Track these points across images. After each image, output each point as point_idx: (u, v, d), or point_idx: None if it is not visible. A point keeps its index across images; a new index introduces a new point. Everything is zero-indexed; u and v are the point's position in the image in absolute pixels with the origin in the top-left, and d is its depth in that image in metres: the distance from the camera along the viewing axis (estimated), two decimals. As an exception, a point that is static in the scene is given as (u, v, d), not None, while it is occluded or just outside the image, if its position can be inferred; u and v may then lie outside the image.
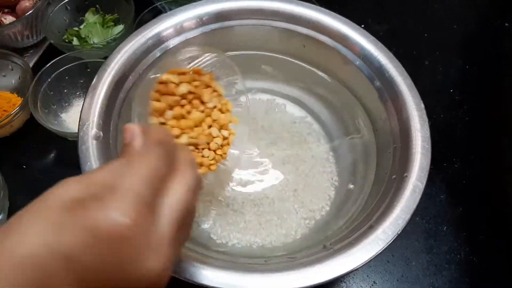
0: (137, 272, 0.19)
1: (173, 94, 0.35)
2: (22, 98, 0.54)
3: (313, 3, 0.47)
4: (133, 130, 0.24)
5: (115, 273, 0.19)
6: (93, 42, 0.61)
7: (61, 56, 0.54)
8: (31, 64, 0.61)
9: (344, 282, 0.46)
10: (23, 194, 0.49)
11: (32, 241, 0.18)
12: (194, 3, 0.47)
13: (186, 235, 0.25)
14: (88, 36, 0.62)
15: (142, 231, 0.20)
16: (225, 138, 0.36)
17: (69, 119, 0.55)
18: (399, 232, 0.33)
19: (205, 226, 0.42)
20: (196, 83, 0.36)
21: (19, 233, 0.18)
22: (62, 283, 0.18)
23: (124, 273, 0.19)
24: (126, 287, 0.20)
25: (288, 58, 0.50)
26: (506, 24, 0.69)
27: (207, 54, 0.39)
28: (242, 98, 0.40)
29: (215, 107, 0.36)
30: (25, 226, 0.18)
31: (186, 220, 0.23)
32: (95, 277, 0.19)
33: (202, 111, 0.36)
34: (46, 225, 0.18)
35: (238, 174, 0.44)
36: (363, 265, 0.31)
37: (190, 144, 0.34)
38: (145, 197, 0.20)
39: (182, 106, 0.35)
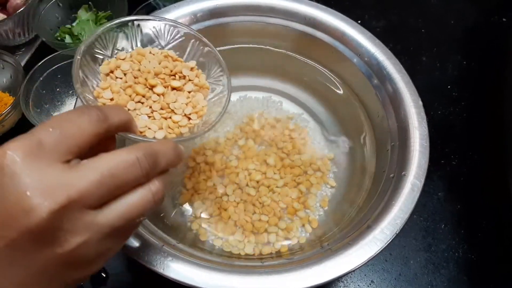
0: (19, 204, 0.19)
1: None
2: (14, 97, 0.53)
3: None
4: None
5: None
6: (86, 39, 0.60)
7: (54, 54, 0.54)
8: (22, 63, 0.60)
9: (342, 281, 0.45)
10: (16, 195, 0.49)
11: None
12: (188, 0, 0.46)
13: (123, 235, 0.24)
14: (81, 34, 0.61)
15: (33, 168, 0.20)
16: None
17: (62, 119, 0.54)
18: (397, 232, 0.33)
19: (196, 227, 0.41)
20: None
21: None
22: None
23: (4, 199, 0.20)
24: (7, 220, 0.20)
25: (285, 51, 0.49)
26: (504, 19, 0.68)
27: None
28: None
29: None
30: None
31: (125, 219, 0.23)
32: None
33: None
34: None
35: (231, 172, 0.44)
36: (360, 266, 0.31)
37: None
38: (43, 139, 0.21)
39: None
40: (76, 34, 0.61)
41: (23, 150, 0.20)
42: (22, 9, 0.57)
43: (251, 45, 0.50)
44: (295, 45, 0.49)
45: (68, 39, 0.61)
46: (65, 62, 0.54)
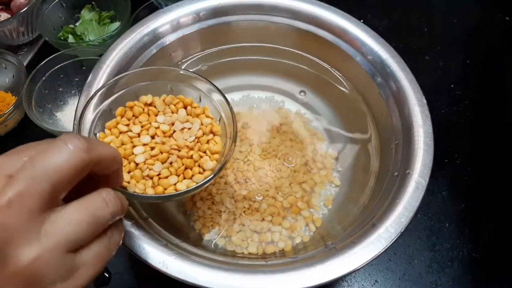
0: (11, 256, 0.20)
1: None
2: (16, 97, 0.53)
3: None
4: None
5: None
6: (89, 39, 0.60)
7: (56, 54, 0.54)
8: (25, 62, 0.60)
9: (346, 281, 0.45)
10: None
11: None
12: (190, -2, 0.46)
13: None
14: (84, 34, 0.61)
15: (19, 223, 0.20)
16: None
17: (64, 118, 0.54)
18: (402, 231, 0.32)
19: (199, 226, 0.41)
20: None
21: None
22: None
23: None
24: None
25: (288, 49, 0.49)
26: (507, 18, 0.68)
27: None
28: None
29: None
30: None
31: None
32: None
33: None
34: None
35: (234, 171, 0.43)
36: (365, 265, 0.31)
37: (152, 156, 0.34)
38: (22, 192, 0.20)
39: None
40: (79, 34, 0.61)
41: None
42: (25, 8, 0.57)
43: (254, 44, 0.50)
44: (298, 43, 0.48)
45: (71, 39, 0.61)
46: (67, 61, 0.54)
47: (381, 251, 0.31)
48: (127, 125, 0.35)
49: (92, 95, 0.35)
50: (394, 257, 0.46)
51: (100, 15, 0.63)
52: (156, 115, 0.36)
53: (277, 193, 0.42)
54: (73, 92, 0.56)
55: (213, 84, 0.37)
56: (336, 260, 0.31)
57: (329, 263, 0.31)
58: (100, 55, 0.43)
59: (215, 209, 0.41)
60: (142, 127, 0.35)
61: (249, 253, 0.39)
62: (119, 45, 0.42)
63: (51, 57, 0.53)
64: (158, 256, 0.31)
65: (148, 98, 0.36)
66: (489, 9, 0.70)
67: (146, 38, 0.44)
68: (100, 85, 0.40)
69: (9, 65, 0.56)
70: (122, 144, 0.34)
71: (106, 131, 0.35)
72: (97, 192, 0.23)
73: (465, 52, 0.64)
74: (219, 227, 0.41)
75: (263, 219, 0.41)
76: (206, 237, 0.40)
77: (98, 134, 0.35)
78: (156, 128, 0.35)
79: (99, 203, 0.23)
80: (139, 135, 0.35)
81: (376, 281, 0.45)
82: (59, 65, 0.54)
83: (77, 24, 0.63)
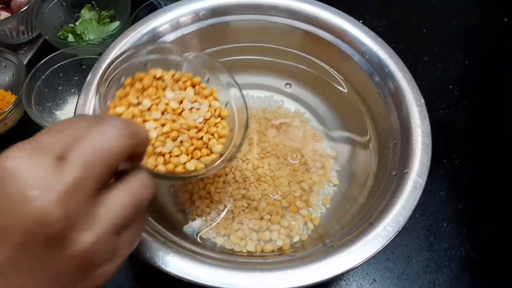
0: (20, 204, 0.19)
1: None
2: (16, 96, 0.53)
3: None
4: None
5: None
6: (89, 38, 0.60)
7: (56, 53, 0.54)
8: (25, 61, 0.60)
9: (344, 280, 0.45)
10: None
11: None
12: (190, -2, 0.46)
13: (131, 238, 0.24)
14: (83, 33, 0.61)
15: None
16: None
17: (63, 117, 0.54)
18: (399, 230, 0.32)
19: (198, 224, 0.41)
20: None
21: None
22: None
23: (7, 201, 0.19)
24: (12, 222, 0.19)
25: (287, 49, 0.50)
26: (505, 19, 0.68)
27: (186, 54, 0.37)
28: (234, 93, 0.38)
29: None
30: None
31: (122, 222, 0.22)
32: None
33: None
34: None
35: (232, 170, 0.44)
36: (363, 263, 0.31)
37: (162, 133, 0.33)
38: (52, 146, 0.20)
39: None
40: (79, 33, 0.62)
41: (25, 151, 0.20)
42: (25, 7, 0.57)
43: (253, 44, 0.50)
44: (297, 43, 0.49)
45: (71, 38, 0.61)
46: (67, 60, 0.55)
47: (379, 250, 0.31)
48: (137, 97, 0.34)
49: (111, 62, 0.33)
50: (392, 256, 0.46)
51: (100, 14, 0.64)
52: (164, 89, 0.35)
53: (276, 192, 0.42)
54: (72, 91, 0.56)
55: (232, 76, 0.37)
56: (334, 258, 0.31)
57: (327, 261, 0.31)
58: (100, 54, 0.43)
59: (213, 207, 0.42)
60: (152, 101, 0.34)
61: (248, 251, 0.39)
62: (119, 44, 0.43)
63: (50, 56, 0.53)
64: (157, 254, 0.31)
65: (157, 72, 0.35)
66: (488, 10, 0.70)
67: (145, 38, 0.44)
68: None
69: (9, 63, 0.56)
70: (133, 117, 0.33)
71: (116, 100, 0.34)
72: (135, 175, 0.23)
73: (464, 53, 0.64)
74: (217, 226, 0.41)
75: (261, 218, 0.41)
76: (205, 235, 0.40)
77: (108, 102, 0.34)
78: (166, 104, 0.34)
79: (140, 187, 0.23)
80: (149, 109, 0.34)
81: (374, 280, 0.45)
82: (59, 64, 0.54)
83: (77, 23, 0.63)
